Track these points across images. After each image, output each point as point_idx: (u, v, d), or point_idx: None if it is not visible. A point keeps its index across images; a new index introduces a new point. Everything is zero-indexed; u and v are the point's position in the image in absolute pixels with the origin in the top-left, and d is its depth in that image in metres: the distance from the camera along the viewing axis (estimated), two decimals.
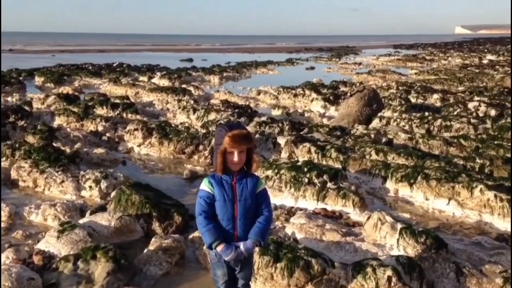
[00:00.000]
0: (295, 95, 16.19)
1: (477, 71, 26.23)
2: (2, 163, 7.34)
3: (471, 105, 12.48)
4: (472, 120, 10.13)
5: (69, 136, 9.43)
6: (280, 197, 6.33)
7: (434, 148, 8.32)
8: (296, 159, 7.62)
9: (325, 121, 12.29)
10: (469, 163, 7.18)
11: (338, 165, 7.37)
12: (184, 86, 18.56)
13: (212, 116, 11.39)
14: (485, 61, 35.87)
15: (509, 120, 10.07)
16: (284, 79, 22.61)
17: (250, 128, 10.13)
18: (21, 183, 6.82)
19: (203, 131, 9.54)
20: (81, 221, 5.06)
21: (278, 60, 37.78)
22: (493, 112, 11.54)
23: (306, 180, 6.36)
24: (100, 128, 10.33)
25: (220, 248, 2.83)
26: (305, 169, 6.56)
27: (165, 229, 5.20)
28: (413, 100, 14.62)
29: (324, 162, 7.50)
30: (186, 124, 10.87)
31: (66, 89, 17.34)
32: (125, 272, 4.09)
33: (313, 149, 7.84)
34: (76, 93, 15.83)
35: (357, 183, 6.82)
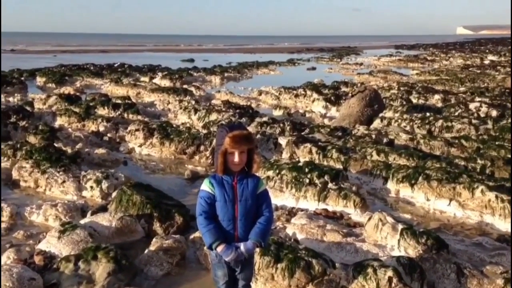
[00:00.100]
0: (297, 96, 16.19)
1: (478, 71, 26.22)
2: (3, 164, 7.36)
3: (472, 106, 12.47)
4: (473, 121, 10.12)
5: (70, 136, 9.45)
6: (281, 197, 6.33)
7: (435, 149, 8.31)
8: (297, 159, 7.62)
9: (326, 121, 12.29)
10: (470, 163, 7.17)
11: (339, 166, 7.36)
12: (185, 86, 18.58)
13: (213, 116, 11.39)
14: (486, 62, 35.84)
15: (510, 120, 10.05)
16: (286, 79, 22.62)
17: (251, 128, 10.14)
18: (22, 183, 6.83)
19: (204, 131, 9.55)
20: (82, 222, 5.06)
21: (280, 61, 37.80)
22: (494, 113, 11.53)
23: (307, 180, 6.36)
24: (101, 129, 10.34)
25: (220, 248, 2.83)
26: (306, 170, 6.55)
27: (166, 229, 5.20)
28: (414, 101, 14.61)
29: (325, 163, 7.49)
30: (187, 125, 10.87)
31: (67, 90, 17.36)
32: (126, 273, 4.09)
33: (314, 149, 7.84)
34: (78, 94, 15.85)
35: (358, 184, 6.82)
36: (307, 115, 13.46)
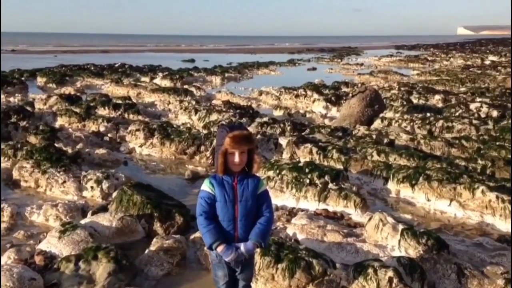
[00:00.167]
0: (297, 96, 16.19)
1: (479, 72, 26.21)
2: (4, 164, 7.36)
3: (473, 106, 12.46)
4: (474, 121, 10.12)
5: (71, 136, 9.45)
6: (282, 197, 6.33)
7: (436, 149, 8.30)
8: (297, 159, 7.62)
9: (326, 121, 12.29)
10: (470, 164, 7.17)
11: (339, 166, 7.36)
12: (186, 86, 18.59)
13: (214, 116, 11.39)
14: (487, 62, 35.83)
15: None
16: (286, 79, 22.62)
17: (252, 128, 10.14)
18: (23, 183, 6.84)
19: (205, 131, 9.55)
20: (82, 222, 5.06)
21: (280, 61, 37.80)
22: (495, 113, 11.53)
23: (308, 181, 6.35)
24: (102, 129, 10.35)
25: (220, 249, 2.82)
26: (307, 170, 6.55)
27: (166, 229, 5.21)
28: (415, 101, 14.62)
29: (325, 163, 7.49)
30: (188, 125, 10.88)
31: (68, 90, 17.38)
32: (126, 273, 4.09)
33: (314, 149, 7.84)
34: (78, 94, 15.87)
35: (359, 184, 6.82)
36: (308, 115, 13.46)
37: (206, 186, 2.89)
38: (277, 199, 6.25)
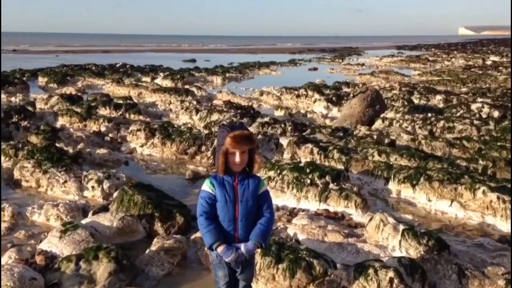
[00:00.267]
0: (298, 96, 16.20)
1: (480, 72, 26.20)
2: (5, 163, 7.37)
3: (474, 107, 12.46)
4: (475, 122, 10.11)
5: (72, 136, 9.46)
6: (282, 198, 6.32)
7: (437, 150, 8.30)
8: (298, 160, 7.62)
9: (327, 122, 12.29)
10: (471, 164, 7.17)
11: (340, 166, 7.36)
12: (187, 86, 18.61)
13: (215, 116, 11.40)
14: (488, 62, 35.80)
15: None
16: (287, 79, 22.62)
17: (253, 128, 10.14)
18: (24, 183, 6.85)
19: (206, 131, 9.55)
20: (83, 221, 5.07)
21: (281, 61, 37.81)
22: (496, 114, 11.52)
23: (309, 181, 6.35)
24: (103, 129, 10.36)
25: (220, 249, 2.82)
26: (308, 170, 6.55)
27: (167, 229, 5.21)
28: (416, 101, 14.61)
29: (326, 163, 7.49)
30: (189, 125, 10.89)
31: (69, 90, 17.40)
32: (127, 273, 4.10)
33: (315, 150, 7.84)
34: (79, 94, 15.89)
35: (360, 184, 6.81)
36: (309, 115, 13.46)
37: (206, 186, 2.88)
38: (278, 199, 6.25)
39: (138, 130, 9.26)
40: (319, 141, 8.64)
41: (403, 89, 17.04)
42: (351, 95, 13.04)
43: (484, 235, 5.27)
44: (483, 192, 5.79)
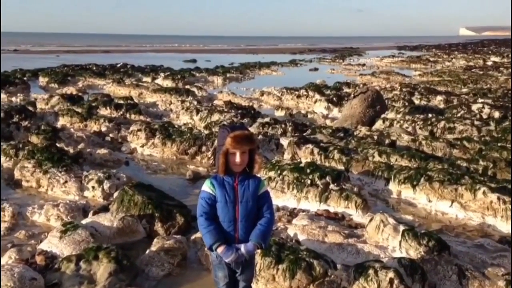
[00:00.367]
0: (299, 96, 16.20)
1: (481, 73, 26.20)
2: (5, 163, 7.38)
3: (474, 107, 12.45)
4: (476, 122, 10.11)
5: (72, 136, 9.46)
6: (283, 198, 6.32)
7: (437, 150, 8.29)
8: (298, 160, 7.62)
9: (328, 122, 12.29)
10: (472, 165, 7.16)
11: (341, 167, 7.36)
12: (187, 87, 18.61)
13: (215, 117, 11.40)
14: (489, 63, 35.79)
15: None
16: (288, 80, 22.63)
17: (253, 129, 10.14)
18: (24, 183, 6.85)
19: (206, 132, 9.55)
20: (83, 222, 5.07)
21: (282, 61, 37.81)
22: (496, 114, 11.52)
23: (309, 181, 6.35)
24: (103, 129, 10.36)
25: (220, 249, 2.82)
26: (308, 171, 6.55)
27: (167, 230, 5.21)
28: (416, 102, 14.60)
29: (327, 164, 7.49)
30: (189, 125, 10.89)
31: (70, 90, 17.41)
32: (127, 273, 4.10)
33: (316, 150, 7.84)
34: (80, 94, 15.89)
35: (360, 185, 6.81)
36: (309, 116, 13.46)
37: (206, 186, 2.88)
38: (278, 199, 6.25)
39: (139, 130, 9.27)
40: (320, 142, 8.63)
41: (404, 89, 17.04)
42: (352, 95, 13.04)
43: (484, 236, 5.27)
44: (484, 192, 5.78)
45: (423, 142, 8.59)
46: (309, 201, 6.13)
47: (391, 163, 7.32)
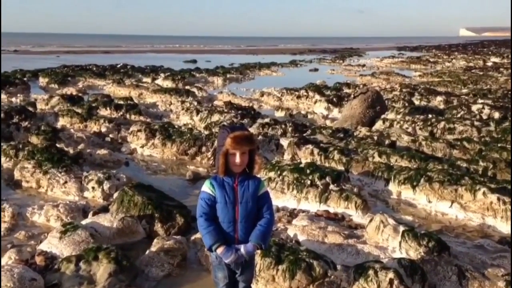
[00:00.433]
0: (299, 97, 16.20)
1: (481, 73, 26.21)
2: (5, 164, 7.38)
3: (474, 108, 12.45)
4: (476, 123, 10.11)
5: (72, 137, 9.46)
6: (283, 198, 6.32)
7: (437, 151, 8.29)
8: (298, 161, 7.62)
9: (328, 123, 12.28)
10: (472, 165, 7.16)
11: (341, 167, 7.36)
12: (187, 87, 18.62)
13: (215, 117, 11.40)
14: (489, 64, 35.79)
15: None
16: (288, 80, 22.63)
17: (253, 129, 10.14)
18: (24, 184, 6.85)
19: (206, 132, 9.55)
20: (83, 222, 5.07)
21: (282, 62, 37.80)
22: (496, 115, 11.52)
23: (309, 182, 6.35)
24: (103, 129, 10.36)
25: (220, 250, 2.82)
26: (308, 171, 6.55)
27: (167, 230, 5.21)
28: (416, 102, 14.61)
29: (327, 164, 7.49)
30: (189, 126, 10.89)
31: (70, 90, 17.41)
32: (127, 273, 4.10)
33: (316, 151, 7.84)
34: (80, 94, 15.90)
35: (360, 185, 6.81)
36: (309, 116, 13.46)
37: (206, 187, 2.88)
38: (278, 200, 6.25)
39: (139, 130, 9.27)
40: (320, 142, 8.63)
41: (404, 90, 17.04)
42: (352, 96, 13.04)
43: (484, 237, 5.27)
44: (484, 193, 5.78)
45: (423, 142, 8.59)
46: (309, 202, 6.13)
47: (391, 164, 7.32)
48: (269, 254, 4.06)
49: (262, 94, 17.18)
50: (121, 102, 13.19)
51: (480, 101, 14.06)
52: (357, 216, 5.66)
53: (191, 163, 8.31)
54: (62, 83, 19.86)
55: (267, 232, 2.90)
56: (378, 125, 10.91)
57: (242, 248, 2.84)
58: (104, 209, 5.66)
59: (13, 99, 14.91)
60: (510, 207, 5.51)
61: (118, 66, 29.18)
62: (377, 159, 7.56)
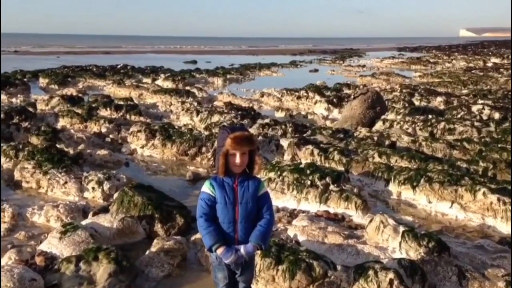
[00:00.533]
0: (299, 97, 16.20)
1: (481, 74, 26.21)
2: (5, 164, 7.39)
3: (475, 108, 12.45)
4: (476, 123, 10.11)
5: (72, 137, 9.47)
6: (283, 199, 6.32)
7: (437, 151, 8.30)
8: (299, 161, 7.62)
9: (328, 123, 12.28)
10: (472, 166, 7.16)
11: (341, 168, 7.36)
12: (187, 88, 18.62)
13: (216, 118, 11.40)
14: (489, 64, 35.80)
15: None
16: (288, 81, 22.63)
17: (253, 130, 10.14)
18: (24, 184, 6.85)
19: (206, 133, 9.56)
20: (83, 222, 5.07)
21: (282, 62, 37.80)
22: (497, 115, 11.52)
23: (309, 182, 6.35)
24: (103, 130, 10.36)
25: (220, 251, 2.82)
26: (308, 172, 6.55)
27: (167, 230, 5.21)
28: (416, 103, 14.61)
29: (327, 165, 7.49)
30: (189, 126, 10.89)
31: (70, 91, 17.42)
32: (127, 274, 4.09)
33: (316, 151, 7.84)
34: (80, 95, 15.91)
35: (360, 186, 6.81)
36: (309, 117, 13.46)
37: (206, 187, 2.88)
38: (278, 200, 6.25)
39: (139, 131, 9.27)
40: (320, 143, 8.64)
41: (404, 90, 17.04)
42: (352, 96, 13.04)
43: (484, 237, 5.27)
44: (484, 193, 5.78)
45: (423, 143, 8.59)
46: (309, 202, 6.13)
47: (391, 164, 7.32)
48: (269, 255, 4.06)
49: (262, 95, 17.18)
50: (121, 102, 13.19)
51: (480, 101, 14.06)
52: (357, 217, 5.66)
53: (191, 164, 8.31)
54: (62, 84, 19.85)
55: (267, 233, 2.90)
56: (378, 125, 10.91)
57: (242, 249, 2.84)
58: (104, 210, 5.66)
59: (13, 100, 14.92)
60: (510, 208, 5.51)
61: (118, 66, 29.18)
62: (377, 159, 7.56)
